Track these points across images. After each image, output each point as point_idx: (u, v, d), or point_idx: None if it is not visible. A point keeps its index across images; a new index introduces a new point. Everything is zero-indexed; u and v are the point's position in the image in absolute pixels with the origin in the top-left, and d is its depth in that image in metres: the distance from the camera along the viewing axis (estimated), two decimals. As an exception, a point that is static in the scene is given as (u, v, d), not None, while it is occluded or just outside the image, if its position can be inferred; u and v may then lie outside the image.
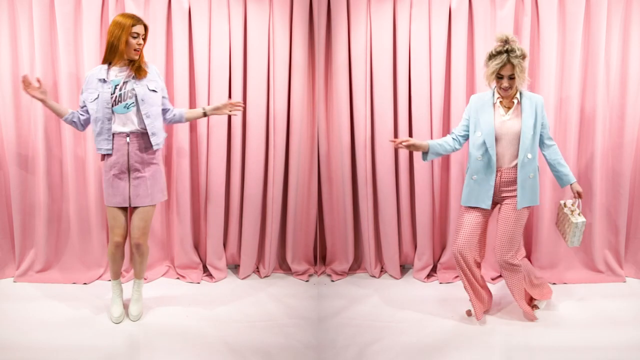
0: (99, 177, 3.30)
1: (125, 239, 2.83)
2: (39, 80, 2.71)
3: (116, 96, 2.67)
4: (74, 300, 3.09)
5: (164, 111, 2.89)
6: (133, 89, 2.68)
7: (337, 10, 3.28)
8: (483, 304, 2.86)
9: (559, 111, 3.34)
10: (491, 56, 2.58)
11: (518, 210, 2.69)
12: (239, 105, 2.91)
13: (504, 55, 2.52)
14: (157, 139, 2.75)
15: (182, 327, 2.79)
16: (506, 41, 2.54)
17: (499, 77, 2.58)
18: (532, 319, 2.84)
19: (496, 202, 2.78)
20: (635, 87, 3.29)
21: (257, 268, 3.57)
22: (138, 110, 2.70)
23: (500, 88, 2.62)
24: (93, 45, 3.19)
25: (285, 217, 3.51)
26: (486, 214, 2.77)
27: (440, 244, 3.58)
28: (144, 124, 2.71)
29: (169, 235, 3.52)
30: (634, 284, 3.39)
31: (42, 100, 2.74)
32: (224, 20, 3.26)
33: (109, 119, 2.68)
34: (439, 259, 3.56)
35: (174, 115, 2.93)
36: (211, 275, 3.46)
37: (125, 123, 2.70)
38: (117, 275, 2.91)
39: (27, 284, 3.31)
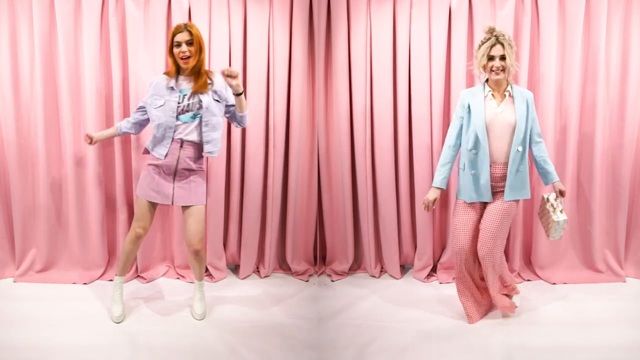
0: (98, 178, 3.31)
1: (146, 232, 2.81)
2: (91, 138, 2.92)
3: (184, 105, 2.68)
4: (73, 300, 3.09)
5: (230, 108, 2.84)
6: (200, 100, 2.68)
7: (337, 10, 3.28)
8: (480, 305, 2.87)
9: (559, 111, 3.34)
10: (480, 44, 2.65)
11: (505, 202, 2.68)
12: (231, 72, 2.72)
13: (493, 38, 2.61)
14: (211, 147, 2.73)
15: (182, 327, 2.79)
16: (493, 30, 2.63)
17: (490, 58, 2.62)
18: (513, 310, 2.87)
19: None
20: (635, 87, 3.29)
21: (257, 268, 3.57)
22: (201, 120, 2.70)
23: (492, 71, 2.64)
24: (93, 45, 3.19)
25: (285, 217, 3.51)
26: (481, 208, 2.78)
27: (440, 244, 3.58)
28: (202, 135, 2.71)
29: (169, 235, 3.52)
30: (634, 283, 3.39)
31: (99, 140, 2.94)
32: (224, 20, 3.25)
33: (171, 127, 2.68)
34: (439, 259, 3.56)
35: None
36: (211, 275, 3.46)
37: (185, 132, 2.70)
38: (124, 272, 2.89)
39: (27, 284, 3.31)
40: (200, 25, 3.21)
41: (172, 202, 2.75)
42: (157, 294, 3.20)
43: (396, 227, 3.49)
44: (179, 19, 3.21)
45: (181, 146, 2.71)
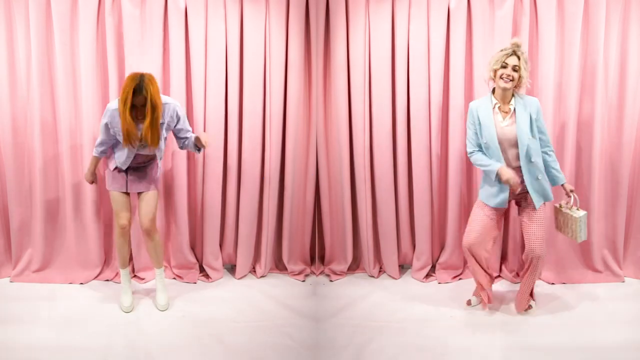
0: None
1: (130, 222, 2.98)
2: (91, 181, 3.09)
3: (139, 144, 2.82)
4: (70, 300, 3.09)
5: (181, 139, 3.01)
6: None
7: (335, 10, 3.27)
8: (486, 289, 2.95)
9: (558, 111, 3.33)
10: (499, 51, 2.72)
11: (538, 209, 2.77)
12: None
13: (511, 49, 2.69)
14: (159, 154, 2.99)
15: (179, 327, 2.79)
16: (517, 44, 2.70)
17: (504, 66, 2.68)
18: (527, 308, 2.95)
19: (512, 199, 2.87)
20: (634, 87, 3.29)
21: (254, 268, 3.56)
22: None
23: (501, 78, 2.69)
24: (89, 45, 3.19)
25: (282, 216, 3.50)
26: (500, 211, 2.85)
27: (439, 244, 3.57)
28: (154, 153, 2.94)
29: (165, 235, 3.51)
30: (633, 284, 3.38)
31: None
32: (220, 20, 3.24)
33: (132, 151, 2.84)
34: (437, 259, 3.55)
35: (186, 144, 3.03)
36: (207, 275, 3.45)
37: (141, 151, 2.89)
38: (125, 263, 3.02)
39: (24, 284, 3.30)
40: (196, 25, 3.22)
41: (127, 189, 2.92)
42: (154, 294, 3.18)
43: (395, 227, 3.48)
44: (175, 18, 3.19)
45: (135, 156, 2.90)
